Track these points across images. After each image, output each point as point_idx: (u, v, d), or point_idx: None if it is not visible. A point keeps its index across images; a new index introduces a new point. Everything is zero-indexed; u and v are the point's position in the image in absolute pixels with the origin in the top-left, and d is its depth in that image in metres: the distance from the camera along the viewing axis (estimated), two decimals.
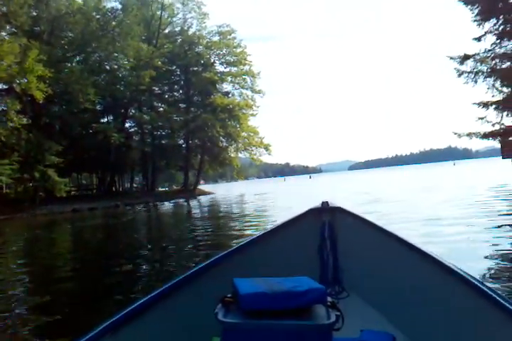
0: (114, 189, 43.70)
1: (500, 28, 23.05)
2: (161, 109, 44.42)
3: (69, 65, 33.87)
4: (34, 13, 30.60)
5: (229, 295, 1.54)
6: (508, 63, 23.49)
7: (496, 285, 3.85)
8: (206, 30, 44.45)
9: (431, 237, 6.69)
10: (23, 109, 32.12)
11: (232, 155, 45.93)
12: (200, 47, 43.74)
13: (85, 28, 31.02)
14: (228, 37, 43.64)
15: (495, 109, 21.73)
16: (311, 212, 2.55)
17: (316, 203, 2.56)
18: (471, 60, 25.09)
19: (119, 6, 34.29)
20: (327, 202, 2.56)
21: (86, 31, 31.15)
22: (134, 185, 53.71)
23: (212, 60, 44.50)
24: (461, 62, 25.03)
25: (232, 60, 44.06)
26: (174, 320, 1.96)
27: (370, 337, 1.87)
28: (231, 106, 42.75)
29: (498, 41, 23.72)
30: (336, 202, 2.59)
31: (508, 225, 7.48)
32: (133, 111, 43.26)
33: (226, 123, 42.77)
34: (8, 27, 27.88)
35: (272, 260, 2.41)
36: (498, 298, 1.64)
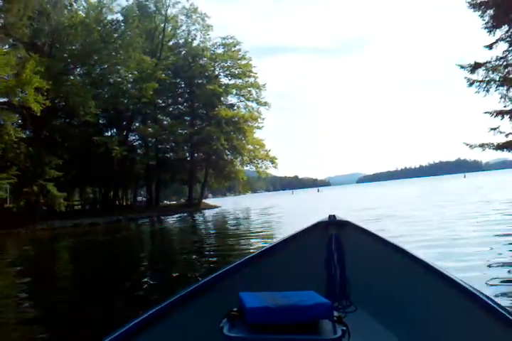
0: (117, 203, 43.11)
1: None
2: (165, 122, 43.78)
3: (71, 77, 33.38)
4: (35, 26, 30.30)
5: (235, 309, 1.55)
6: None
7: None
8: (210, 42, 44.12)
9: (453, 261, 5.74)
10: (23, 122, 31.80)
11: (238, 168, 45.08)
12: (205, 59, 43.23)
13: (86, 39, 30.55)
14: (233, 49, 43.14)
15: (510, 118, 20.72)
16: (318, 226, 2.53)
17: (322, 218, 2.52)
18: (483, 68, 24.20)
19: (121, 18, 33.90)
20: (334, 215, 2.54)
21: (87, 43, 30.68)
22: (139, 199, 53.13)
23: (216, 72, 43.96)
24: (472, 71, 24.15)
25: (236, 72, 43.48)
26: (179, 334, 1.95)
27: None
28: (236, 118, 42.05)
29: (511, 49, 22.88)
30: (342, 215, 2.56)
31: None
32: (137, 124, 42.75)
33: (231, 135, 41.99)
34: (8, 39, 27.50)
35: (278, 273, 2.40)
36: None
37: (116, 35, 32.95)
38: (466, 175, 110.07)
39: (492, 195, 20.34)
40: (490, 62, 23.68)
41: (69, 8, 32.36)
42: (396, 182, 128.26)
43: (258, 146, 44.22)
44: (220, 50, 43.73)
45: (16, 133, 24.63)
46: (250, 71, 43.39)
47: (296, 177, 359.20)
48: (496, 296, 3.84)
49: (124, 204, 45.95)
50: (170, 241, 15.13)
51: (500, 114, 21.37)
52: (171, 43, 43.73)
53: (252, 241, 11.31)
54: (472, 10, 21.74)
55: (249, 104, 44.36)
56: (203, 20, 43.36)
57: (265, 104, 43.64)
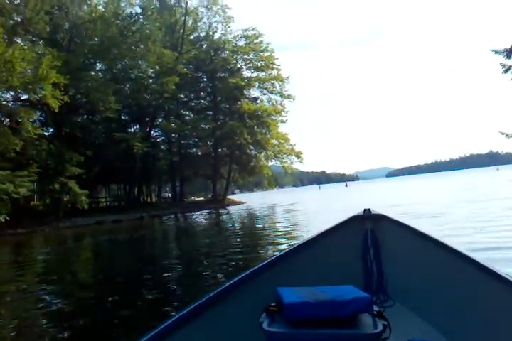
0: (142, 200, 42.85)
1: None
2: (188, 117, 43.10)
3: (91, 73, 32.99)
4: (54, 21, 30.00)
5: (273, 304, 1.57)
6: None
7: None
8: (232, 35, 42.96)
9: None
10: (45, 119, 31.64)
11: (263, 163, 44.08)
12: (226, 52, 42.13)
13: (105, 34, 29.99)
14: (255, 41, 41.97)
15: None
16: (354, 220, 2.52)
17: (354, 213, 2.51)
18: None
19: (139, 11, 33.23)
20: (369, 209, 2.52)
21: (105, 37, 30.13)
22: (164, 195, 52.94)
23: (239, 65, 42.83)
24: (508, 56, 22.58)
25: (259, 64, 42.22)
26: (219, 328, 1.95)
27: None
28: (259, 112, 40.93)
29: None
30: (378, 209, 2.54)
31: None
32: (160, 120, 42.28)
33: (254, 130, 40.89)
34: (27, 35, 27.25)
35: (315, 268, 2.42)
36: None
37: (134, 28, 32.26)
38: (498, 167, 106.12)
39: None
40: None
41: (88, 2, 31.86)
42: (426, 176, 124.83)
43: (283, 141, 43.03)
44: (241, 43, 42.57)
45: (35, 130, 24.24)
46: (273, 63, 42.16)
47: (323, 172, 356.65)
48: None
49: (149, 200, 45.86)
50: (190, 239, 14.73)
51: None
52: (192, 37, 42.86)
53: (274, 240, 10.73)
54: None
55: (273, 97, 43.20)
56: (223, 12, 42.41)
57: (289, 96, 42.38)
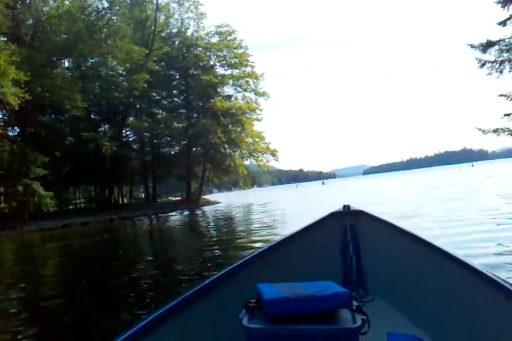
0: (113, 201, 41.62)
1: None
2: (160, 116, 41.98)
3: (59, 70, 31.67)
4: (19, 16, 28.63)
5: (253, 301, 1.56)
6: None
7: None
8: (204, 31, 41.99)
9: None
10: (8, 118, 30.25)
11: (238, 162, 43.32)
12: (199, 48, 41.09)
13: (70, 29, 28.70)
14: (228, 38, 41.11)
15: None
16: (333, 216, 2.53)
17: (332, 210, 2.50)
18: (496, 47, 22.37)
19: (106, 5, 32.00)
20: (348, 205, 2.54)
21: (71, 33, 28.84)
22: (139, 196, 51.82)
23: (212, 62, 41.87)
24: (484, 51, 22.34)
25: (233, 61, 41.39)
26: (198, 326, 1.92)
27: (397, 340, 1.85)
28: (233, 110, 40.18)
29: None
30: (357, 205, 2.54)
31: None
32: (131, 119, 41.11)
33: (229, 128, 40.11)
34: None
35: (295, 264, 2.41)
36: None
37: (101, 23, 31.01)
38: (473, 164, 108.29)
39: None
40: (504, 40, 21.87)
41: None
42: (403, 174, 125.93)
43: (258, 139, 42.32)
44: (215, 39, 41.72)
45: None
46: (247, 60, 41.32)
47: (301, 170, 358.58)
48: None
49: (121, 201, 44.68)
50: (157, 242, 14.48)
51: None
52: (163, 33, 41.66)
53: (249, 239, 10.64)
54: None
55: (247, 94, 42.41)
56: (196, 8, 41.39)
57: (263, 94, 41.56)
